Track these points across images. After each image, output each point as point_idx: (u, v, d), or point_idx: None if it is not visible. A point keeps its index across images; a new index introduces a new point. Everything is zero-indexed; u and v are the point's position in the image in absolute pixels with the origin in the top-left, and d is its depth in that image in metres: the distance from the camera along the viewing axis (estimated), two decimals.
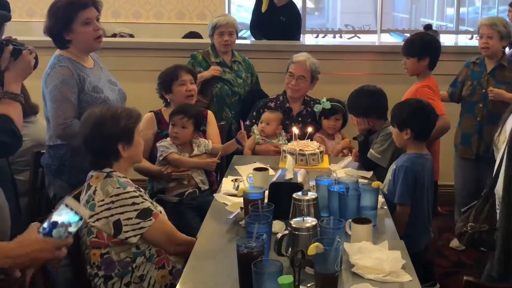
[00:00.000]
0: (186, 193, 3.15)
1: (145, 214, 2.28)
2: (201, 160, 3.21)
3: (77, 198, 2.38)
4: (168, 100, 3.43)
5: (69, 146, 2.79)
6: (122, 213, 2.26)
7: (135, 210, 2.27)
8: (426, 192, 2.81)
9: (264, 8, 5.22)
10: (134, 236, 2.27)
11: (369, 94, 3.25)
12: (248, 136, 3.68)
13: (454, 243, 3.95)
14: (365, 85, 3.35)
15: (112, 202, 2.27)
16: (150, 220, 2.29)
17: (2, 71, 2.15)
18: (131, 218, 2.26)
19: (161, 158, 3.16)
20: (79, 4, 2.75)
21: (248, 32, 7.15)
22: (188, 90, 3.37)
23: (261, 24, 5.38)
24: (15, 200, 2.52)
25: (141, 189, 2.39)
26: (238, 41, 4.31)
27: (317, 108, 3.69)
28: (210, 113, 3.53)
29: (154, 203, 2.46)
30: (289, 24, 5.25)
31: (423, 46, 3.42)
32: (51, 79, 2.76)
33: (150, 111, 3.46)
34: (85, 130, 2.36)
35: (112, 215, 2.26)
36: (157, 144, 3.22)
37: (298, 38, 5.51)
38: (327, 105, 3.64)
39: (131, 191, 2.30)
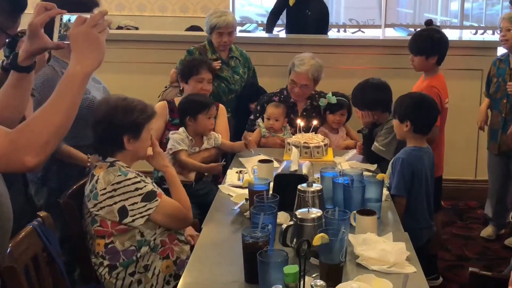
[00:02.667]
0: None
1: (149, 196, 2.30)
2: (206, 165, 3.20)
3: (81, 190, 2.40)
4: (182, 88, 3.44)
5: (57, 155, 2.73)
6: (127, 199, 2.27)
7: (140, 194, 2.29)
8: (425, 185, 2.80)
9: (291, 1, 5.18)
10: (141, 217, 2.29)
11: (374, 87, 3.24)
12: (253, 130, 3.69)
13: (485, 232, 4.07)
14: (369, 78, 3.34)
15: (115, 190, 2.28)
16: (156, 200, 2.31)
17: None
18: (136, 203, 2.28)
19: (170, 152, 3.16)
20: (85, 7, 2.59)
21: (253, 26, 7.17)
22: (203, 89, 3.38)
23: (287, 17, 5.35)
24: (24, 189, 2.53)
25: (141, 174, 2.39)
26: (241, 34, 4.29)
27: (322, 102, 3.68)
28: (221, 107, 3.52)
29: (155, 185, 2.46)
30: (314, 19, 5.22)
31: (432, 44, 3.33)
32: (34, 79, 2.69)
33: (163, 100, 3.49)
34: (97, 115, 2.37)
35: (115, 203, 2.27)
36: (170, 135, 3.21)
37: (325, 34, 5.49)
38: (333, 100, 3.63)
39: (132, 177, 2.30)
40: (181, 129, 3.21)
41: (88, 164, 2.64)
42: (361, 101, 3.24)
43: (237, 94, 3.97)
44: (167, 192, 2.91)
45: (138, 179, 2.32)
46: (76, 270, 2.51)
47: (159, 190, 2.37)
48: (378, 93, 3.20)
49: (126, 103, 2.37)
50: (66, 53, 2.74)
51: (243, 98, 3.99)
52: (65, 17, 1.61)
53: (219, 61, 3.86)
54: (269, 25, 5.49)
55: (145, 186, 2.32)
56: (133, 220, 2.28)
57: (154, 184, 2.43)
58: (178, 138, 3.17)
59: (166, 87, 3.90)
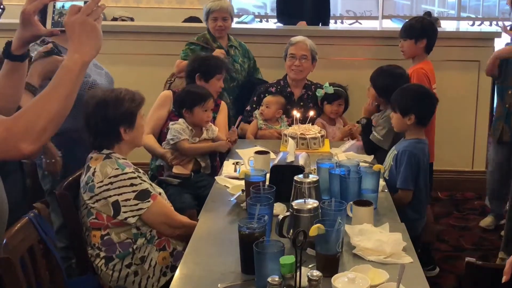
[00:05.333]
0: (179, 176, 3.15)
1: (143, 195, 2.29)
2: (213, 143, 3.23)
3: (77, 180, 2.39)
4: (196, 82, 3.39)
5: (61, 139, 2.74)
6: (120, 194, 2.26)
7: (133, 191, 2.28)
8: (425, 176, 2.81)
9: None
10: (133, 217, 2.28)
11: (395, 75, 3.21)
12: (250, 121, 3.69)
13: (485, 222, 4.06)
14: (394, 65, 3.32)
15: (111, 183, 2.27)
16: (149, 201, 2.29)
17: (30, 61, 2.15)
18: (129, 199, 2.27)
19: (172, 142, 3.16)
20: None
21: (250, 17, 7.13)
22: (220, 86, 3.45)
23: (289, 9, 5.29)
24: (22, 182, 2.54)
25: (140, 170, 2.39)
26: (237, 26, 4.27)
27: (319, 93, 3.68)
28: (223, 104, 3.55)
29: (154, 184, 2.46)
30: (316, 5, 5.19)
31: (421, 28, 3.47)
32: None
33: (169, 89, 3.51)
34: (88, 111, 2.35)
35: (110, 196, 2.27)
36: (170, 125, 3.20)
37: (327, 23, 5.45)
38: (330, 90, 3.63)
39: (130, 172, 2.30)
40: (181, 120, 3.21)
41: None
42: (376, 82, 3.23)
43: (239, 83, 3.96)
44: (163, 185, 2.94)
45: (135, 175, 2.31)
46: (74, 258, 2.52)
47: (155, 192, 2.36)
48: (395, 83, 3.15)
49: (114, 95, 2.36)
50: (63, 38, 2.76)
51: (246, 88, 3.99)
52: (59, 3, 1.60)
53: (222, 50, 3.86)
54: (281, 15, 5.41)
55: (140, 183, 2.31)
56: (125, 218, 2.28)
57: (152, 185, 2.42)
58: (179, 128, 3.17)
59: (171, 79, 3.88)
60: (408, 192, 2.70)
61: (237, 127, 3.40)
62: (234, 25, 4.21)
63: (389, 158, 2.85)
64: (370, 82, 3.31)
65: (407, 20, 3.83)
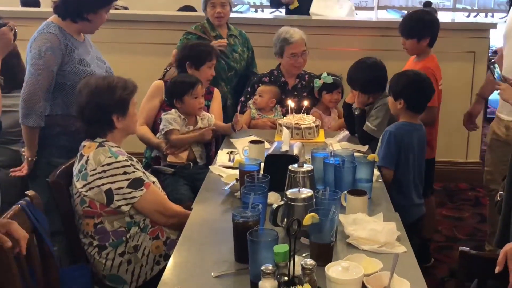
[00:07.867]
0: (177, 166, 3.15)
1: (136, 183, 2.28)
2: (195, 134, 3.20)
3: (70, 169, 2.38)
4: (189, 72, 3.38)
5: (48, 122, 2.75)
6: (114, 182, 2.25)
7: (127, 179, 2.27)
8: (412, 160, 2.77)
9: (293, 6, 5.07)
10: (126, 205, 2.28)
11: (370, 68, 3.17)
12: (244, 111, 3.68)
13: None
14: (365, 57, 3.27)
15: (104, 171, 2.26)
16: (142, 190, 2.28)
17: None
18: (122, 188, 2.26)
19: (163, 132, 3.16)
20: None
21: (245, 7, 7.11)
22: (211, 74, 3.42)
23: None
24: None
25: (134, 159, 2.38)
26: (232, 15, 4.23)
27: (317, 83, 3.66)
28: (216, 91, 3.53)
29: (147, 173, 2.45)
30: None
31: (423, 26, 3.31)
32: (37, 44, 2.71)
33: (160, 79, 3.48)
34: (80, 99, 2.34)
35: (103, 184, 2.26)
36: (162, 116, 3.20)
37: None
38: (329, 79, 3.61)
39: (123, 160, 2.29)
40: (173, 110, 3.21)
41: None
42: (356, 81, 3.20)
43: (237, 72, 3.93)
44: (158, 174, 2.93)
45: (129, 163, 2.30)
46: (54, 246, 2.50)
47: (148, 180, 2.35)
48: (373, 74, 3.15)
49: (107, 82, 2.35)
50: (71, 26, 2.75)
51: (244, 78, 3.98)
52: None
53: (224, 40, 3.83)
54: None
55: (134, 171, 2.30)
56: (119, 207, 2.27)
57: (146, 173, 2.42)
58: (170, 118, 3.16)
59: (167, 68, 3.86)
60: (388, 171, 2.69)
61: (241, 112, 3.38)
62: (230, 14, 4.17)
63: (380, 141, 2.86)
64: (352, 85, 3.22)
65: (404, 13, 3.72)
